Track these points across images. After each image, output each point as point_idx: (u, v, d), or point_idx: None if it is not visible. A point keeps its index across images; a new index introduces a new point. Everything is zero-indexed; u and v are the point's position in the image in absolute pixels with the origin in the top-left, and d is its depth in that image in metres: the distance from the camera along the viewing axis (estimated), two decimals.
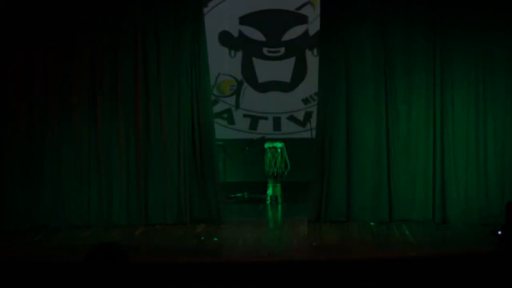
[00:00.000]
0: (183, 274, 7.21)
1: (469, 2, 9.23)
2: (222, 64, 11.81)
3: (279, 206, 10.77)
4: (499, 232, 8.03)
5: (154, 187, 9.42)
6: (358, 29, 9.39)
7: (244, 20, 11.86)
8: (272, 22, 11.86)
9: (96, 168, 9.35)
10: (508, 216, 8.03)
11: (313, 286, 6.99)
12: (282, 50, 11.91)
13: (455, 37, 9.27)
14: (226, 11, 11.80)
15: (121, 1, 9.45)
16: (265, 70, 11.93)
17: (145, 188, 9.41)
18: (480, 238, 8.44)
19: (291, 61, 11.92)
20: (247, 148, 11.49)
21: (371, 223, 9.29)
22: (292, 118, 11.93)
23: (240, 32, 11.89)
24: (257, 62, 11.94)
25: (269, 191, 10.88)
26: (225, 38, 11.86)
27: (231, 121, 11.95)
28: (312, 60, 11.64)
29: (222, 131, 11.47)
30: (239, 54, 11.91)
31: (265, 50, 11.93)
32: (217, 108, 11.71)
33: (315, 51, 11.69)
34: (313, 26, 11.68)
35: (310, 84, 11.51)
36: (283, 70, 11.91)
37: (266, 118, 11.95)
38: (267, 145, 11.04)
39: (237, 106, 11.95)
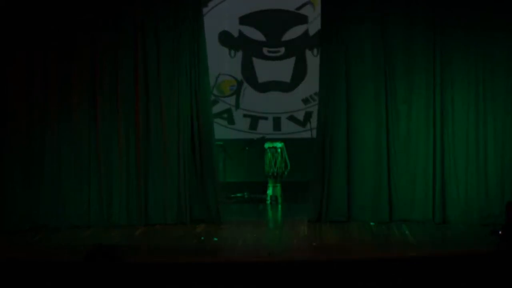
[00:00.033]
0: (183, 274, 7.21)
1: (469, 2, 9.24)
2: (222, 64, 11.81)
3: (279, 206, 10.77)
4: (500, 232, 8.03)
5: (154, 187, 9.43)
6: (358, 29, 9.40)
7: (244, 20, 11.86)
8: (272, 22, 11.87)
9: (96, 168, 9.35)
10: (508, 216, 8.03)
11: (313, 286, 6.99)
12: (282, 50, 11.92)
13: (455, 37, 9.27)
14: (226, 11, 11.80)
15: (121, 1, 9.46)
16: (265, 70, 11.93)
17: (145, 188, 9.41)
18: (480, 238, 8.44)
19: (291, 61, 11.93)
20: (247, 148, 11.49)
21: (371, 223, 9.29)
22: (292, 118, 11.93)
23: (240, 32, 11.89)
24: (257, 62, 11.94)
25: (269, 191, 10.88)
26: (225, 38, 11.86)
27: (231, 121, 11.95)
28: (312, 60, 11.65)
29: (222, 131, 11.47)
30: (239, 54, 11.91)
31: (265, 50, 11.94)
32: (217, 108, 11.72)
33: (315, 51, 11.69)
34: (313, 26, 11.68)
35: (310, 84, 11.52)
36: (283, 70, 11.91)
37: (266, 118, 11.95)
38: (267, 145, 11.05)
39: (237, 106, 11.95)
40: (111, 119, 9.39)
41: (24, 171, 9.24)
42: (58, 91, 9.33)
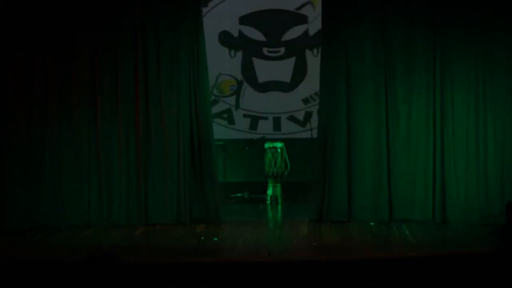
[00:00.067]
0: (183, 274, 7.21)
1: (469, 2, 9.24)
2: (222, 64, 11.81)
3: (279, 206, 10.77)
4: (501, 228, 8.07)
5: (154, 187, 9.43)
6: (358, 29, 9.40)
7: (244, 20, 11.86)
8: (272, 22, 11.86)
9: (96, 168, 9.35)
10: (508, 216, 8.03)
11: (313, 286, 6.99)
12: (282, 50, 11.91)
13: (455, 37, 9.27)
14: (226, 11, 11.80)
15: (121, 1, 9.46)
16: (265, 70, 11.93)
17: (145, 188, 9.41)
18: (480, 238, 8.45)
19: (291, 61, 11.92)
20: (247, 148, 11.49)
21: (371, 223, 9.29)
22: (292, 118, 11.93)
23: (240, 32, 11.89)
24: (257, 62, 11.94)
25: (269, 191, 10.88)
26: (225, 38, 11.86)
27: (231, 121, 11.95)
28: (312, 60, 11.65)
29: (222, 131, 11.47)
30: (239, 54, 11.91)
31: (265, 50, 11.93)
32: (217, 108, 11.72)
33: (315, 51, 11.69)
34: (313, 26, 11.68)
35: (310, 84, 11.52)
36: (283, 70, 11.91)
37: (266, 118, 11.95)
38: (267, 145, 11.05)
39: (237, 106, 11.95)
40: (111, 119, 9.40)
41: (24, 171, 9.24)
42: (58, 91, 9.33)
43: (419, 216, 9.34)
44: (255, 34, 11.88)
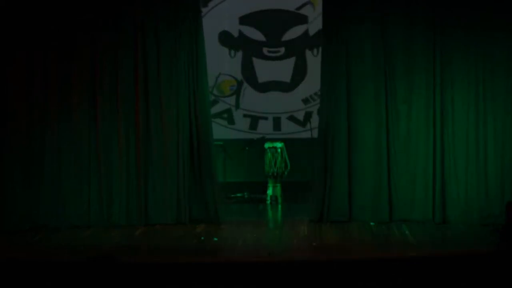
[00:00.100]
0: (183, 274, 7.21)
1: (469, 2, 9.24)
2: (222, 64, 11.80)
3: (279, 206, 10.77)
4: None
5: (154, 187, 9.43)
6: (358, 29, 9.40)
7: (244, 20, 11.85)
8: (272, 22, 11.86)
9: (96, 168, 9.35)
10: (508, 216, 8.03)
11: (313, 286, 6.99)
12: (282, 50, 11.91)
13: (455, 37, 9.27)
14: (226, 11, 11.80)
15: (121, 1, 9.46)
16: (265, 70, 11.92)
17: (145, 188, 9.41)
18: (480, 238, 8.45)
19: (291, 61, 11.92)
20: (247, 148, 11.49)
21: (371, 223, 9.29)
22: (292, 118, 11.93)
23: (240, 32, 11.88)
24: (257, 62, 11.94)
25: (269, 191, 10.88)
26: (225, 38, 11.85)
27: (231, 121, 11.95)
28: (312, 60, 11.65)
29: (222, 131, 11.47)
30: (239, 54, 11.91)
31: (265, 50, 11.93)
32: (217, 108, 11.72)
33: (315, 51, 11.69)
34: (313, 26, 11.68)
35: (310, 84, 11.53)
36: (283, 70, 11.91)
37: (266, 118, 11.95)
38: (267, 145, 11.05)
39: (237, 106, 11.94)
40: (111, 119, 9.40)
41: (24, 171, 9.24)
42: (58, 91, 9.33)
43: (419, 216, 9.34)
44: (255, 34, 11.88)
